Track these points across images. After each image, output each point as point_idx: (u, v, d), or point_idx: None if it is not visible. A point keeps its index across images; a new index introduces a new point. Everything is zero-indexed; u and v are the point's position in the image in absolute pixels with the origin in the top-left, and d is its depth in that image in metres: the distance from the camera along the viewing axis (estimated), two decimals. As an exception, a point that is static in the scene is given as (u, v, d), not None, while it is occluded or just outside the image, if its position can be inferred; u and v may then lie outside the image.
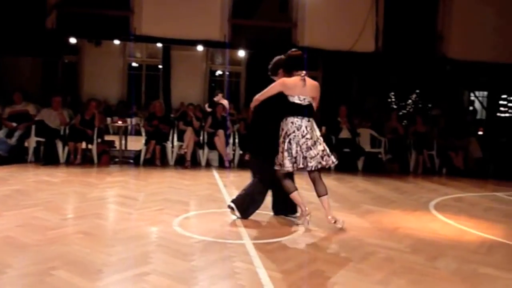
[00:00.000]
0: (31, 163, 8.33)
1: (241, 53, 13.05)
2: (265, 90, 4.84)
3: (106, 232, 4.34)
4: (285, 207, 5.18)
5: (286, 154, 4.68)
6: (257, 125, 5.14)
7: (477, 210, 6.17)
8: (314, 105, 4.87)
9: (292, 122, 4.72)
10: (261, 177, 5.00)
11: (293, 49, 5.04)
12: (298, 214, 5.06)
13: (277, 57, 5.06)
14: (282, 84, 4.78)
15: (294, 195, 4.83)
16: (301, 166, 4.72)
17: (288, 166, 4.69)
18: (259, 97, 4.87)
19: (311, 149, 4.72)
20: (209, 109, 8.80)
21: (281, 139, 4.75)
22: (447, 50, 11.62)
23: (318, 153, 4.75)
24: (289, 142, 4.69)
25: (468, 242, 4.56)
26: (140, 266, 3.40)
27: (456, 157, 9.50)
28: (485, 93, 15.85)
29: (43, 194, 5.76)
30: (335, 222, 4.76)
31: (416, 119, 10.12)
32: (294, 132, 4.69)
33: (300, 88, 4.76)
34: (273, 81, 4.98)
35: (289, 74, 4.87)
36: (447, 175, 9.43)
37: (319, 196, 4.85)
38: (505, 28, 11.42)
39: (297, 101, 4.75)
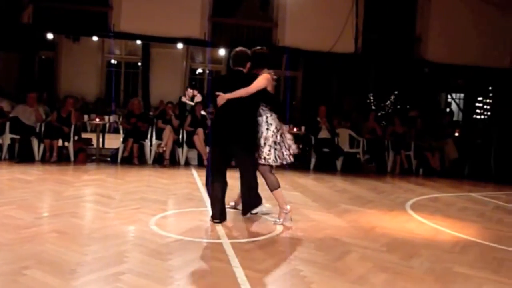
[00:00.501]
0: (5, 160, 8.16)
1: (222, 52, 13.00)
2: (253, 85, 4.69)
3: (82, 231, 4.27)
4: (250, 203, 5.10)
5: (274, 148, 4.77)
6: (230, 118, 4.83)
7: (452, 210, 6.28)
8: None
9: (278, 118, 4.86)
10: (214, 179, 4.90)
11: (258, 47, 4.98)
12: (263, 210, 5.13)
13: (242, 48, 4.91)
14: (268, 79, 4.79)
15: (278, 192, 4.84)
16: (284, 159, 4.81)
17: (273, 159, 4.77)
18: (249, 90, 4.68)
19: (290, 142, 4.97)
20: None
21: (271, 133, 4.78)
22: (425, 53, 11.80)
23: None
24: (281, 136, 4.82)
25: (442, 241, 4.63)
26: (115, 266, 3.36)
27: (432, 158, 9.65)
28: (462, 95, 16.13)
29: (17, 192, 5.64)
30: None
31: (394, 120, 10.24)
32: (281, 126, 4.87)
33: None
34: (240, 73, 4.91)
35: (255, 69, 4.87)
36: (423, 175, 9.57)
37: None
38: (482, 31, 11.64)
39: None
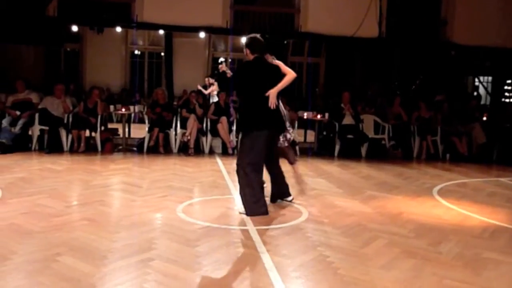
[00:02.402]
0: (35, 151, 8.36)
1: (244, 40, 12.97)
2: (291, 72, 4.76)
3: (110, 219, 4.36)
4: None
5: None
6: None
7: (481, 195, 6.17)
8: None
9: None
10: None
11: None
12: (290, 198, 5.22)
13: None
14: None
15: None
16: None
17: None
18: (293, 75, 4.75)
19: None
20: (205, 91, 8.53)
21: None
22: (451, 35, 11.53)
23: None
24: None
25: (471, 227, 4.56)
26: (144, 252, 3.43)
27: (460, 143, 9.46)
28: (490, 78, 15.74)
29: (48, 182, 5.79)
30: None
31: (419, 104, 10.06)
32: None
33: None
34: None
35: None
36: (450, 160, 9.41)
37: None
38: (509, 12, 11.30)
39: None
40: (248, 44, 4.89)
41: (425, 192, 6.17)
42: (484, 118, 10.48)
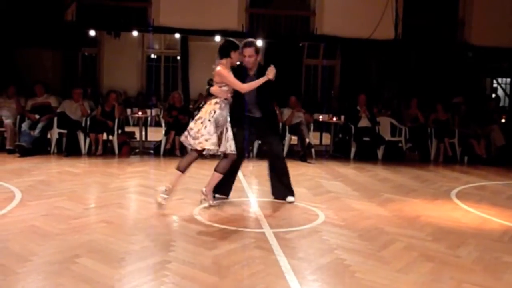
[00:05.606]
0: (54, 154, 8.46)
1: (259, 43, 12.96)
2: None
3: (128, 221, 4.41)
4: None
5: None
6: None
7: (500, 198, 6.08)
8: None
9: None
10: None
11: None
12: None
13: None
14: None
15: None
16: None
17: None
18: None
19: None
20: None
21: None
22: (468, 36, 11.40)
23: None
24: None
25: (490, 230, 4.50)
26: (161, 255, 3.45)
27: (478, 145, 9.34)
28: (508, 79, 15.52)
29: (66, 185, 5.86)
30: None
31: (436, 107, 9.95)
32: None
33: None
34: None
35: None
36: (468, 163, 9.28)
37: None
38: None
39: None
40: None
41: (443, 195, 6.11)
42: (503, 120, 10.32)
